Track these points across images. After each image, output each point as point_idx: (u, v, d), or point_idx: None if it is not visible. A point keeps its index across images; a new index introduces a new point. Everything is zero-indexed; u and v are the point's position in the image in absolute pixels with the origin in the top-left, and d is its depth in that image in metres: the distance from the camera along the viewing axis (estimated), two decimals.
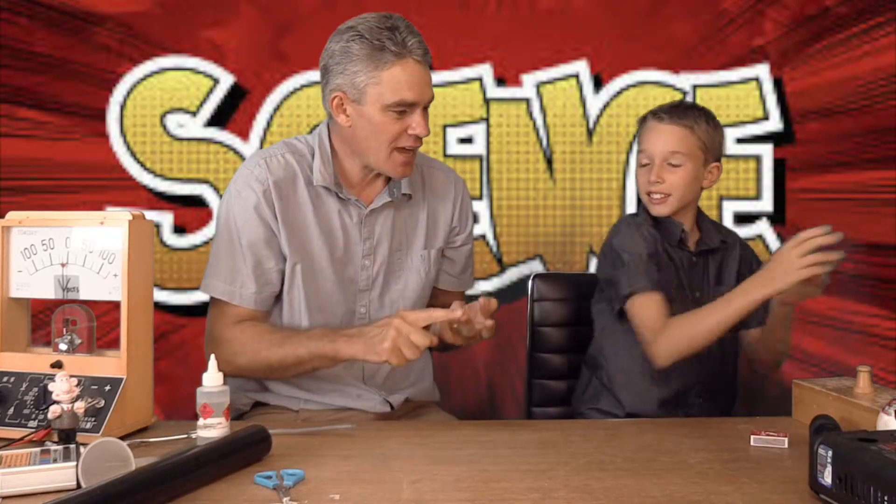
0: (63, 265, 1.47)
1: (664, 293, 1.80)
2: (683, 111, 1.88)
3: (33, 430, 1.37)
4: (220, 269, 1.70)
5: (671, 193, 1.85)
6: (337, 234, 1.72)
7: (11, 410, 1.42)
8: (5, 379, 1.46)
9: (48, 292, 1.49)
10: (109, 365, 1.45)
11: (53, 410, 1.30)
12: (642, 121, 1.92)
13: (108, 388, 1.42)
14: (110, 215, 1.48)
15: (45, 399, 1.40)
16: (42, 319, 1.56)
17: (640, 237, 1.85)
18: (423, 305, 1.80)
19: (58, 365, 1.44)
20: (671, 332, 1.73)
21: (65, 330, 1.48)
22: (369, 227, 1.73)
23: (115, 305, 1.46)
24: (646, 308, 1.79)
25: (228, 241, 1.70)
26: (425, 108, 1.67)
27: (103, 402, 1.40)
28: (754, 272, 1.84)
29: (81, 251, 1.47)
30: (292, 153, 1.73)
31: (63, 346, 1.47)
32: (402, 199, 1.77)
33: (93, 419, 1.39)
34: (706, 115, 1.89)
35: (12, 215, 1.51)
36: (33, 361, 1.48)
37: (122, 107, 2.64)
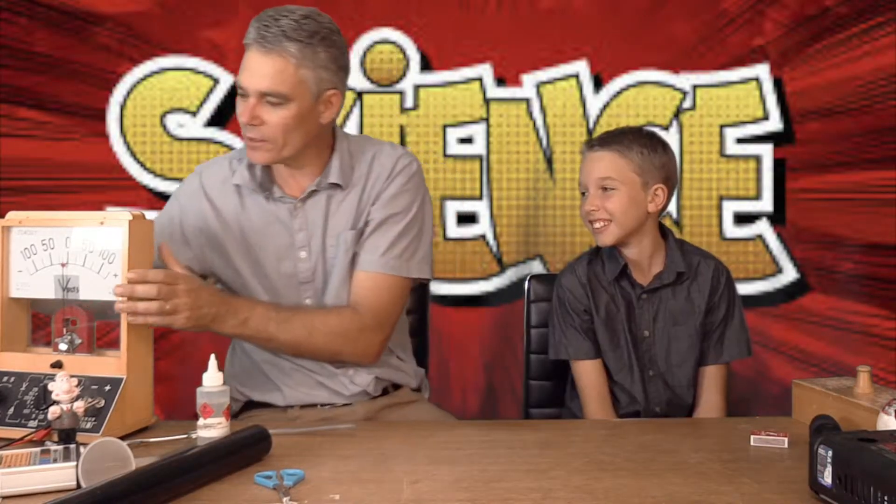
0: (63, 265, 1.46)
1: (595, 348, 1.85)
2: (615, 137, 1.85)
3: (33, 430, 1.36)
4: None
5: (610, 220, 1.81)
6: (267, 230, 1.72)
7: (11, 410, 1.42)
8: (5, 379, 1.46)
9: (48, 292, 1.48)
10: (109, 365, 1.44)
11: (53, 411, 1.30)
12: (581, 153, 1.91)
13: (108, 387, 1.41)
14: (110, 215, 1.48)
15: (45, 399, 1.39)
16: (43, 320, 1.56)
17: (571, 291, 1.86)
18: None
19: (58, 365, 1.44)
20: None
21: (65, 330, 1.47)
22: (301, 218, 1.72)
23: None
24: (576, 374, 1.88)
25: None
26: (272, 103, 1.61)
27: (103, 401, 1.39)
28: (719, 301, 1.85)
29: (81, 251, 1.46)
30: (229, 161, 1.79)
31: (63, 346, 1.47)
32: (333, 188, 1.73)
33: (93, 419, 1.38)
34: (642, 138, 1.84)
35: (12, 215, 1.51)
36: (33, 361, 1.47)
37: (122, 107, 2.65)
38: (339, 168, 1.73)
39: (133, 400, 1.45)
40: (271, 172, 1.75)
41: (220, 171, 1.78)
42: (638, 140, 1.84)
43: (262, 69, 1.60)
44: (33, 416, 1.40)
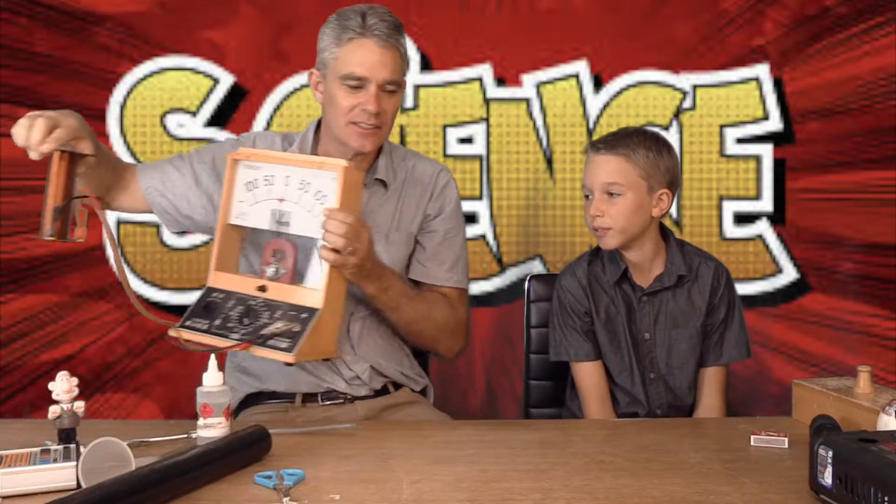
0: (280, 200, 1.57)
1: (595, 349, 1.85)
2: (620, 139, 1.82)
3: (236, 342, 1.47)
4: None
5: (612, 226, 1.79)
6: None
7: (218, 321, 1.52)
8: (215, 294, 1.57)
9: (263, 223, 1.58)
10: (308, 296, 1.52)
11: (53, 411, 1.30)
12: (585, 153, 1.89)
13: (303, 315, 1.49)
14: (329, 160, 1.56)
15: (248, 316, 1.51)
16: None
17: (571, 292, 1.86)
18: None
19: (263, 289, 1.54)
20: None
21: (272, 259, 1.57)
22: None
23: None
24: (576, 375, 1.88)
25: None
26: (389, 91, 1.72)
27: (299, 327, 1.47)
28: (719, 303, 1.85)
29: (298, 190, 1.56)
30: (284, 137, 1.85)
31: (270, 273, 1.56)
32: (377, 186, 1.81)
33: (288, 340, 1.46)
34: (648, 142, 1.81)
35: (243, 151, 1.62)
36: (240, 283, 1.57)
37: (122, 107, 2.65)
38: (386, 167, 1.82)
39: (323, 332, 1.52)
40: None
41: (270, 143, 1.84)
42: (644, 143, 1.81)
43: (384, 59, 1.70)
44: (235, 329, 1.50)
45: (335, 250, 1.50)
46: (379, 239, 1.77)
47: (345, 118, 1.71)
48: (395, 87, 1.73)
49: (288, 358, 1.45)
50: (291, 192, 1.56)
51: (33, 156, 1.46)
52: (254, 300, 1.53)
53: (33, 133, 1.46)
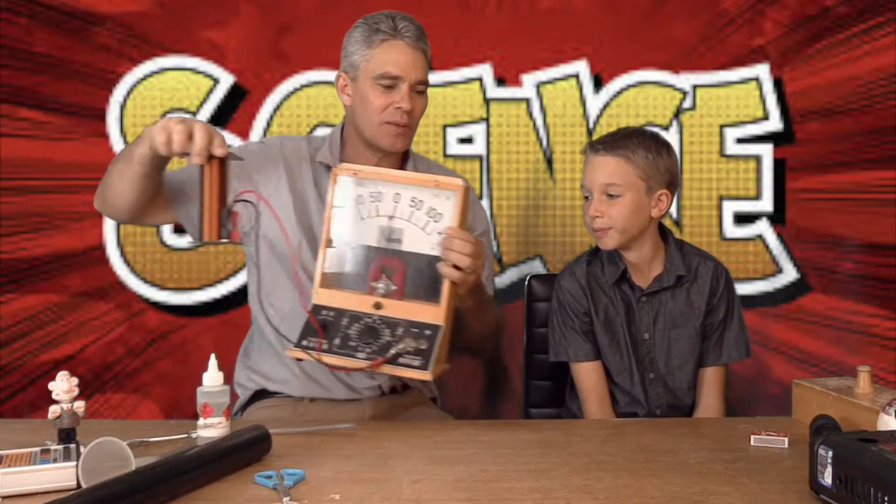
0: (390, 217, 1.57)
1: (594, 349, 1.85)
2: (619, 140, 1.81)
3: (367, 360, 1.47)
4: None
5: (611, 227, 1.80)
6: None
7: (337, 340, 1.51)
8: (324, 312, 1.55)
9: (371, 240, 1.58)
10: (426, 312, 1.53)
11: (53, 411, 1.30)
12: (584, 153, 1.89)
13: (427, 332, 1.50)
14: (443, 179, 1.57)
15: (369, 334, 1.50)
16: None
17: (570, 293, 1.87)
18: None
19: (378, 306, 1.53)
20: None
21: (383, 275, 1.56)
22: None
23: None
24: (576, 375, 1.88)
25: None
26: (419, 91, 1.77)
27: (426, 344, 1.48)
28: (718, 302, 1.84)
29: (409, 207, 1.57)
30: (309, 141, 1.88)
31: (381, 290, 1.55)
32: None
33: (419, 358, 1.47)
34: (647, 143, 1.81)
35: (346, 166, 1.60)
36: (350, 300, 1.56)
37: (122, 107, 2.64)
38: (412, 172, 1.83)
39: (443, 347, 1.53)
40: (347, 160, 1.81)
41: (297, 147, 1.87)
42: (643, 144, 1.81)
43: (415, 60, 1.76)
44: (359, 348, 1.50)
45: (456, 267, 1.51)
46: None
47: (378, 117, 1.75)
48: (423, 87, 1.78)
49: (425, 376, 1.46)
50: (402, 209, 1.57)
51: (197, 160, 1.45)
52: (370, 317, 1.52)
53: (198, 138, 1.44)
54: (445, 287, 1.53)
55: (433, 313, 1.52)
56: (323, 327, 1.52)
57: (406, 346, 1.47)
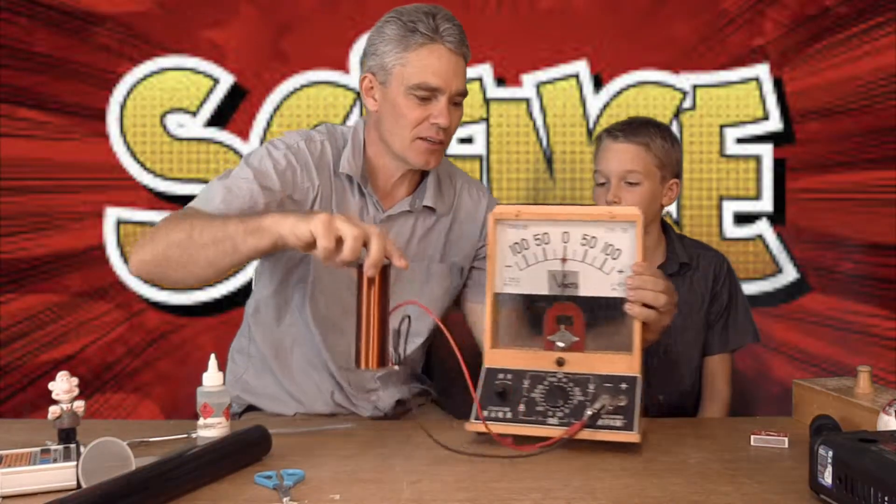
0: (563, 261, 1.43)
1: None
2: (637, 128, 1.83)
3: (558, 425, 1.32)
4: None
5: None
6: None
7: (522, 407, 1.37)
8: (501, 376, 1.42)
9: (541, 288, 1.44)
10: (617, 363, 1.39)
11: (53, 411, 1.30)
12: (598, 139, 1.89)
13: (622, 385, 1.36)
14: (619, 210, 1.42)
15: (557, 395, 1.36)
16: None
17: None
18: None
19: (560, 362, 1.40)
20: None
21: (560, 326, 1.43)
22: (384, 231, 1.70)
23: None
24: None
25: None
26: (455, 102, 1.60)
27: (625, 400, 1.34)
28: (721, 290, 1.84)
29: (581, 246, 1.42)
30: (330, 142, 1.66)
31: (560, 343, 1.42)
32: (423, 211, 1.70)
33: (620, 417, 1.33)
34: (662, 132, 1.83)
35: (504, 209, 1.45)
36: (526, 359, 1.42)
37: (122, 107, 2.64)
38: (434, 190, 1.68)
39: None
40: (371, 175, 1.65)
41: (322, 153, 1.65)
42: (659, 133, 1.84)
43: (456, 68, 1.57)
44: (549, 413, 1.36)
45: (649, 307, 1.36)
46: (420, 271, 1.67)
47: (412, 132, 1.56)
48: (461, 98, 1.61)
49: (633, 438, 1.31)
50: (574, 249, 1.42)
51: (371, 273, 1.24)
52: (554, 376, 1.39)
53: (374, 249, 1.23)
54: (637, 331, 1.39)
55: (626, 364, 1.38)
56: (502, 393, 1.38)
57: (603, 404, 1.32)
